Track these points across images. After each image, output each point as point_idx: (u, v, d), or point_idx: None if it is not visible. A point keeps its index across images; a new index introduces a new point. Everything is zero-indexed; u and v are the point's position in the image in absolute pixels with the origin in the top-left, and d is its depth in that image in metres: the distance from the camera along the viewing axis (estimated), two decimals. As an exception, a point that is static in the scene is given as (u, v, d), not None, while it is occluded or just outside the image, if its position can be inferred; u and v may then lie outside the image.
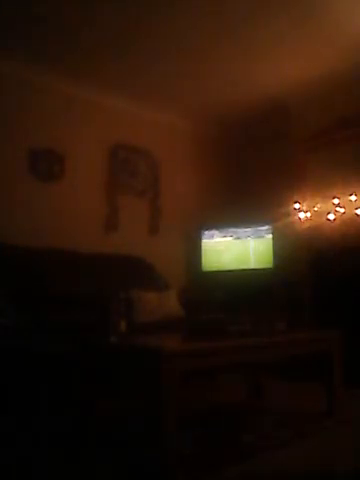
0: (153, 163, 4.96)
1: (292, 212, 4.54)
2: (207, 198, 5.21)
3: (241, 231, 4.80)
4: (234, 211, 4.90)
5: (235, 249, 4.79)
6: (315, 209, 4.44)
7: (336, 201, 4.26)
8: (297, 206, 4.51)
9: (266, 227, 4.67)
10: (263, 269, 4.59)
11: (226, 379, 3.43)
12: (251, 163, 5.23)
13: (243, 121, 5.10)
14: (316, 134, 4.51)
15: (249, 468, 2.07)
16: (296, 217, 4.52)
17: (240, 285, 4.33)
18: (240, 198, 5.02)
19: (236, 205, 4.95)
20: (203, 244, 4.87)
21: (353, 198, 4.16)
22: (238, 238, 4.81)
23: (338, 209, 4.25)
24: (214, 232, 4.87)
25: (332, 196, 4.29)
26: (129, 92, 4.56)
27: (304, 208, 4.50)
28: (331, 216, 4.29)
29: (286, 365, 3.19)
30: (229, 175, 5.34)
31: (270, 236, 4.63)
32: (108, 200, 4.60)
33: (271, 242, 4.61)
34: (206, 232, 4.88)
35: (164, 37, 3.70)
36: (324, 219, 4.34)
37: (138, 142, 4.83)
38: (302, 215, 4.50)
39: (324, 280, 4.16)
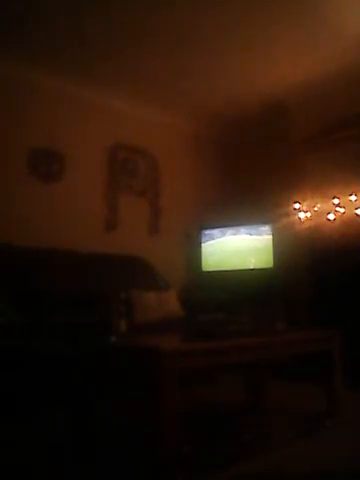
0: (153, 163, 4.96)
1: (292, 212, 4.54)
2: (207, 198, 5.21)
3: (241, 231, 4.80)
4: (234, 211, 4.90)
5: (235, 249, 4.79)
6: (315, 209, 4.44)
7: (336, 201, 4.27)
8: (297, 206, 4.51)
9: (266, 227, 4.67)
10: (263, 269, 4.58)
11: (226, 379, 3.43)
12: (251, 163, 5.23)
13: (243, 121, 5.10)
14: (316, 134, 4.51)
15: (249, 468, 2.07)
16: (296, 217, 4.52)
17: (240, 285, 4.33)
18: (240, 198, 5.02)
19: (236, 205, 4.95)
20: (203, 244, 4.87)
21: (353, 198, 4.16)
22: (238, 238, 4.81)
23: (338, 209, 4.26)
24: (214, 232, 4.87)
25: (332, 196, 4.29)
26: (129, 92, 4.57)
27: (304, 208, 4.50)
28: (331, 216, 4.30)
29: (286, 365, 3.19)
30: (229, 175, 5.34)
31: (270, 236, 4.63)
32: (108, 200, 4.60)
33: (271, 242, 4.61)
34: (206, 232, 4.88)
35: (164, 37, 3.70)
36: (324, 219, 4.34)
37: (138, 142, 4.83)
38: (302, 215, 4.50)
39: (324, 280, 4.16)
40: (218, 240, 4.86)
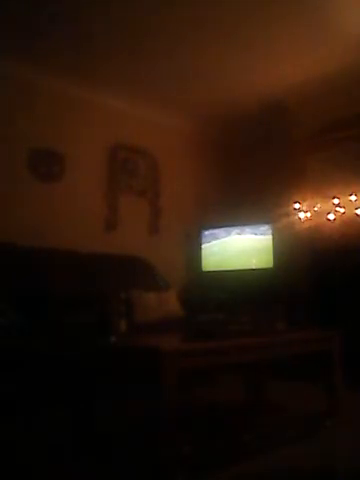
0: (153, 163, 4.96)
1: (292, 212, 4.54)
2: (207, 198, 5.21)
3: (241, 231, 4.80)
4: (234, 211, 4.90)
5: (235, 249, 4.79)
6: (315, 209, 4.44)
7: (336, 201, 4.27)
8: (297, 206, 4.52)
9: (266, 227, 4.67)
10: (263, 269, 4.58)
11: (226, 379, 3.43)
12: (251, 163, 5.23)
13: (243, 121, 5.09)
14: (316, 134, 4.51)
15: (249, 468, 2.07)
16: (296, 217, 4.52)
17: (240, 285, 4.33)
18: (240, 198, 5.02)
19: (236, 205, 4.95)
20: (203, 244, 4.87)
21: (353, 198, 4.16)
22: (238, 238, 4.81)
23: (338, 209, 4.26)
24: (214, 232, 4.87)
25: (332, 196, 4.29)
26: (129, 92, 4.57)
27: (304, 208, 4.50)
28: (331, 216, 4.30)
29: (286, 365, 3.19)
30: (229, 175, 5.34)
31: (270, 236, 4.63)
32: (108, 200, 4.60)
33: (271, 242, 4.61)
34: (206, 232, 4.88)
35: (164, 37, 3.70)
36: (324, 219, 4.34)
37: (138, 142, 4.83)
38: (302, 215, 4.50)
39: (324, 280, 4.16)
40: (218, 240, 4.86)
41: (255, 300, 3.80)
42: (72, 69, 4.13)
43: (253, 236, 4.75)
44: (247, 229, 4.77)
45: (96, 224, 4.46)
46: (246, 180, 5.19)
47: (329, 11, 3.39)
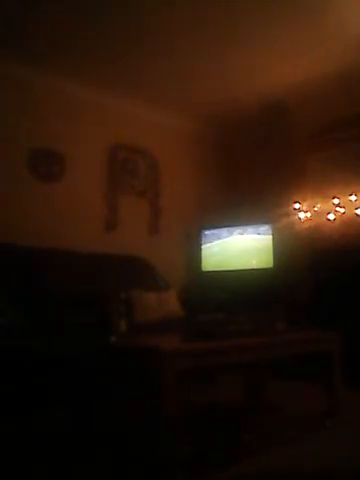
0: (153, 163, 4.96)
1: (292, 212, 4.54)
2: (207, 198, 5.21)
3: (241, 231, 4.80)
4: (234, 211, 4.90)
5: (235, 249, 4.79)
6: (315, 209, 4.44)
7: (336, 201, 4.27)
8: (297, 206, 4.52)
9: (266, 227, 4.67)
10: (263, 269, 4.58)
11: (226, 379, 3.43)
12: (251, 163, 5.23)
13: (243, 121, 5.10)
14: (316, 134, 4.51)
15: (249, 468, 2.07)
16: (296, 217, 4.52)
17: (240, 285, 4.33)
18: (240, 198, 5.03)
19: (236, 205, 4.95)
20: (203, 244, 4.87)
21: (353, 198, 4.16)
22: (238, 238, 4.81)
23: (338, 209, 4.26)
24: (214, 232, 4.87)
25: (332, 196, 4.29)
26: (129, 92, 4.57)
27: (304, 208, 4.50)
28: (331, 216, 4.30)
29: (286, 365, 3.19)
30: (229, 175, 5.34)
31: (270, 236, 4.63)
32: (108, 200, 4.60)
33: (271, 242, 4.61)
34: (206, 232, 4.88)
35: (164, 37, 3.70)
36: (324, 219, 4.34)
37: (138, 142, 4.83)
38: (302, 215, 4.50)
39: (324, 280, 4.15)
40: (218, 240, 4.86)
41: (255, 300, 3.80)
42: (72, 69, 4.13)
43: (253, 236, 4.75)
44: (247, 229, 4.77)
45: (96, 224, 4.46)
46: (246, 180, 5.19)
47: (329, 11, 3.39)
